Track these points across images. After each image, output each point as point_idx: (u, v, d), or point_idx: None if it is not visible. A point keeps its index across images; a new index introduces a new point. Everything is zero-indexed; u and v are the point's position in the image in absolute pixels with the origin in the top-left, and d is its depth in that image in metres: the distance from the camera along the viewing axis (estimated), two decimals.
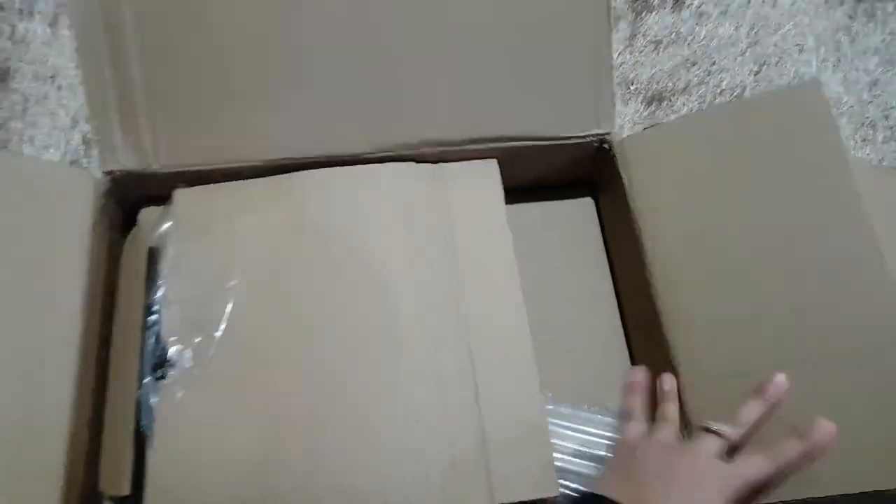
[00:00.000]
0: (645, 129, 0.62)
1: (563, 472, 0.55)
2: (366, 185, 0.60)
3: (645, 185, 0.61)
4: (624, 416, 0.54)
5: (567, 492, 0.54)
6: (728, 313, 0.54)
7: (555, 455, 0.55)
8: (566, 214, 0.69)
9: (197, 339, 0.55)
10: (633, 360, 0.64)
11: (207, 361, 0.55)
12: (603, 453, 0.55)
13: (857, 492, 0.45)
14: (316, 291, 0.57)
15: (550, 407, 0.56)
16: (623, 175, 0.62)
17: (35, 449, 0.50)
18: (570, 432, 0.56)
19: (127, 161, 0.60)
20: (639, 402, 0.54)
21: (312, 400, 0.53)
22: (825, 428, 0.42)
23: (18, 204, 0.56)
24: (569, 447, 0.55)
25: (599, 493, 0.44)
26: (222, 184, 0.62)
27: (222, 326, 0.56)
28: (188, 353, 0.55)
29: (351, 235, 0.58)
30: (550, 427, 0.56)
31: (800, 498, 0.47)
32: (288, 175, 0.61)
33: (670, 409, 0.52)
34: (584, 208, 0.70)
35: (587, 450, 0.55)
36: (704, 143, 0.58)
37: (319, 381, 0.54)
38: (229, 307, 0.56)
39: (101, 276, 0.59)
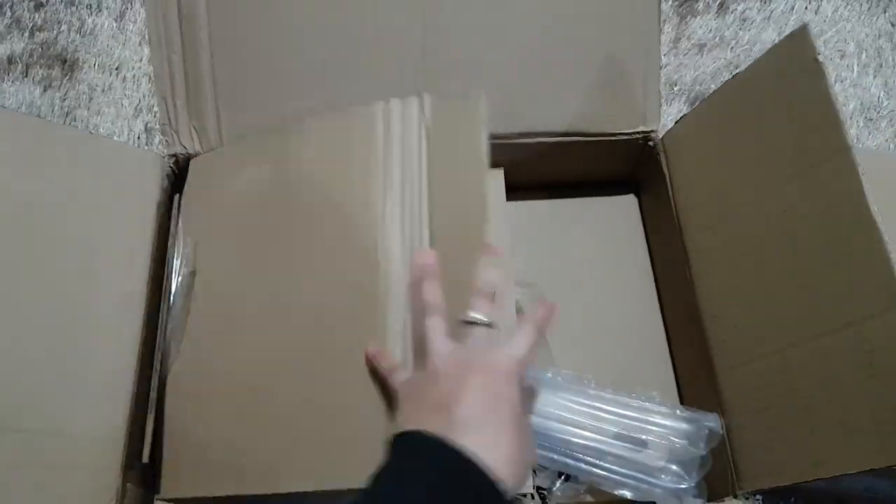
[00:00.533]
0: (676, 122, 0.64)
1: (602, 454, 0.56)
2: (342, 131, 0.57)
3: (683, 180, 0.63)
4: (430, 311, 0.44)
5: (608, 474, 0.56)
6: (751, 299, 0.55)
7: (596, 437, 0.57)
8: (609, 209, 0.72)
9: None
10: (671, 349, 0.66)
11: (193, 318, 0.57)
12: (644, 436, 0.56)
13: (857, 471, 0.46)
14: (294, 240, 0.56)
15: (592, 391, 0.58)
16: (665, 171, 0.64)
17: (96, 411, 0.53)
18: (610, 416, 0.57)
19: (191, 145, 0.64)
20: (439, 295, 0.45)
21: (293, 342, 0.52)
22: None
23: (94, 179, 0.59)
24: (610, 430, 0.57)
25: (409, 427, 0.37)
26: (229, 146, 0.63)
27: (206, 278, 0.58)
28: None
29: (327, 182, 0.56)
30: (591, 411, 0.58)
31: (808, 479, 0.48)
32: (277, 131, 0.60)
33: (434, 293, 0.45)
34: (626, 204, 0.72)
35: (627, 433, 0.56)
36: (724, 128, 0.59)
37: (298, 325, 0.53)
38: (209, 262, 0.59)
39: (159, 253, 0.62)
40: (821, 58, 0.49)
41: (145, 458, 0.54)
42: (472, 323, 0.43)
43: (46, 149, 0.56)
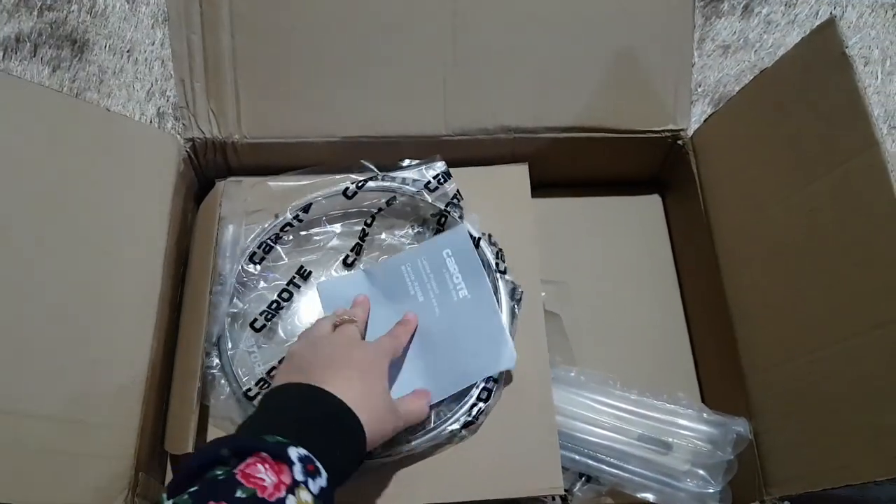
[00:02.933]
0: (705, 120, 0.63)
1: (625, 456, 0.55)
2: None
3: (713, 179, 0.62)
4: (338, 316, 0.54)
5: (631, 476, 0.55)
6: (780, 300, 0.54)
7: (620, 438, 0.56)
8: (634, 209, 0.71)
9: None
10: (695, 350, 0.65)
11: None
12: (669, 439, 0.55)
13: (886, 478, 0.44)
14: None
15: (617, 392, 0.57)
16: (695, 170, 0.63)
17: (114, 399, 0.51)
18: (635, 417, 0.56)
19: (209, 129, 0.62)
20: (359, 313, 0.55)
21: None
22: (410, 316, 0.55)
23: (114, 158, 0.57)
24: (634, 431, 0.56)
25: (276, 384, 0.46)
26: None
27: None
28: None
29: None
30: (615, 412, 0.57)
31: (837, 486, 0.47)
32: None
33: (357, 312, 0.55)
34: (651, 204, 0.71)
35: (651, 435, 0.56)
36: (752, 126, 0.58)
37: None
38: None
39: (176, 240, 0.61)
40: (848, 51, 0.48)
41: (167, 447, 0.53)
42: (345, 322, 0.52)
43: (69, 125, 0.55)
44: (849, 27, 0.84)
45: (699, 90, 0.81)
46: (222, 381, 0.56)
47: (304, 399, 0.42)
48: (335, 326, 0.52)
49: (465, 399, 0.54)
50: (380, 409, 0.45)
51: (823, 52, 0.50)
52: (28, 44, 0.84)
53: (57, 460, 0.47)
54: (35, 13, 0.86)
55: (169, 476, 0.56)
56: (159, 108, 0.81)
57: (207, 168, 0.65)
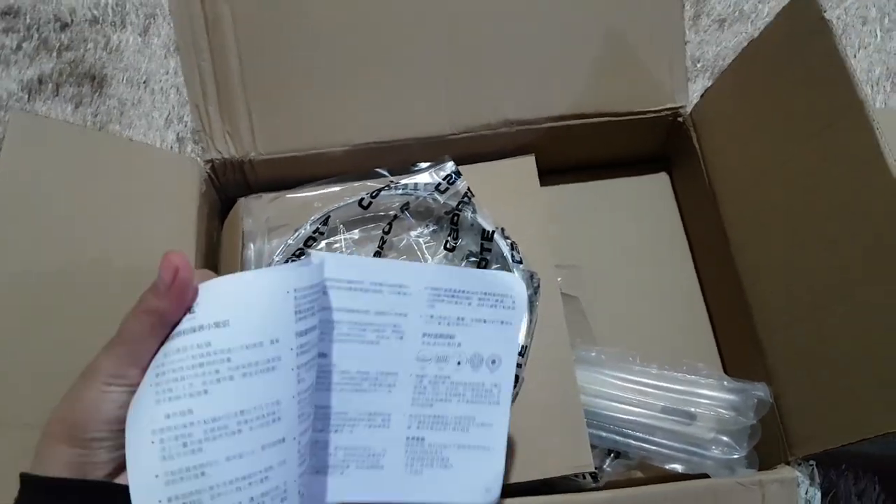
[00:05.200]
0: (702, 95, 0.64)
1: (651, 430, 0.56)
2: None
3: (714, 151, 0.63)
4: None
5: (658, 448, 0.56)
6: (784, 263, 0.55)
7: (644, 412, 0.57)
8: (643, 188, 0.72)
9: None
10: (713, 321, 0.66)
11: None
12: (692, 409, 0.56)
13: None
14: None
15: (637, 367, 0.58)
16: (696, 145, 0.64)
17: None
18: (657, 391, 0.58)
19: (226, 150, 0.65)
20: None
21: None
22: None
23: (136, 185, 0.60)
24: (657, 404, 0.57)
25: None
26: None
27: None
28: None
29: None
30: (637, 387, 0.58)
31: (853, 441, 0.48)
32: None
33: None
34: (659, 182, 0.72)
35: (674, 406, 0.57)
36: (746, 96, 0.59)
37: None
38: None
39: (204, 258, 0.64)
40: (827, 15, 0.49)
41: None
42: None
43: (94, 158, 0.58)
44: None
45: (699, 66, 0.81)
46: None
47: None
48: None
49: None
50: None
51: (803, 18, 0.52)
52: (50, 84, 0.88)
53: None
54: (54, 54, 0.90)
55: None
56: (178, 133, 0.84)
57: (228, 187, 0.68)
